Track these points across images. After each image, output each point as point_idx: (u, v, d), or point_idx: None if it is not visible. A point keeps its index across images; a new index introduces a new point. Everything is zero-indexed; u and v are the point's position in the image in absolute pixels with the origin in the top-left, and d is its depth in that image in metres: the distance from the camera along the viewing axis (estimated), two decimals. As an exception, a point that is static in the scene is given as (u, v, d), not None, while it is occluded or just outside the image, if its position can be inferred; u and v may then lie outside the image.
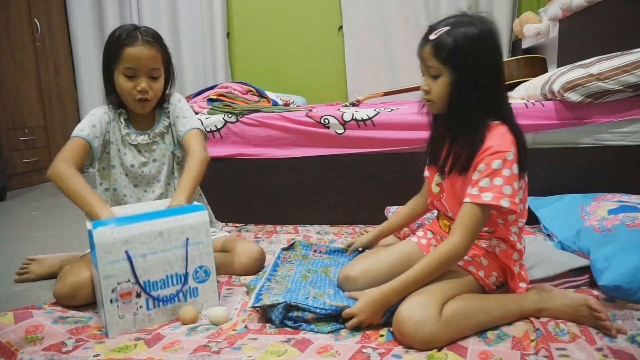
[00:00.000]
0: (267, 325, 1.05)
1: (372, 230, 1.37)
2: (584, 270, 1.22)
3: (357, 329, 1.00)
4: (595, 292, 1.13)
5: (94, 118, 1.33)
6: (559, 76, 1.74)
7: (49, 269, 1.45)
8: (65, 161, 1.22)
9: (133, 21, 3.65)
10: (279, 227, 1.85)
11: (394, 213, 1.51)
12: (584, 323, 0.98)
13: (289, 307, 1.02)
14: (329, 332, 0.99)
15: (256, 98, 2.13)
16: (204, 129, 1.44)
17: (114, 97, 1.35)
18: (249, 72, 3.63)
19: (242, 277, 1.33)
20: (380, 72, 3.29)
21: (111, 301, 1.04)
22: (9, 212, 2.54)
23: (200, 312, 1.13)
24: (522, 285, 1.07)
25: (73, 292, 1.15)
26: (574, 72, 1.70)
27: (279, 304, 1.02)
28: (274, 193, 1.91)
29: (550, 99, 1.79)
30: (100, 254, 1.03)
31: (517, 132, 1.03)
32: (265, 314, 1.06)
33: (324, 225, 1.87)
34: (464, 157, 1.02)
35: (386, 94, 2.49)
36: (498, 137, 1.00)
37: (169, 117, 1.42)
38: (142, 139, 1.39)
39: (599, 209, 1.43)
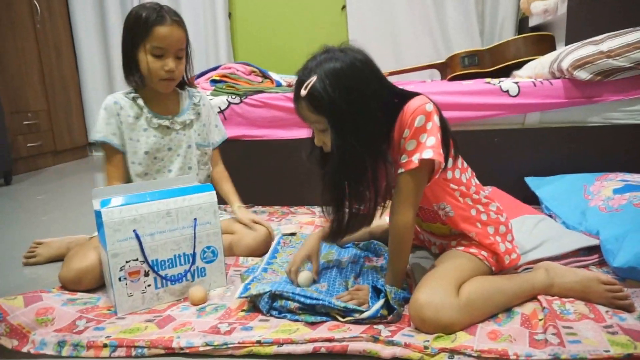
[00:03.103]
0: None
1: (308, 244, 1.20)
2: (593, 250, 1.21)
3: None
4: (603, 273, 1.12)
5: (106, 114, 1.34)
6: (568, 54, 1.71)
7: (56, 251, 1.46)
8: (115, 180, 1.33)
9: (133, 2, 3.60)
10: (293, 208, 1.85)
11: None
12: (594, 300, 0.98)
13: (274, 297, 1.01)
14: (312, 322, 0.96)
15: (259, 79, 2.11)
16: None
17: (136, 76, 1.33)
18: (251, 53, 3.58)
19: (250, 258, 1.33)
20: (384, 52, 3.24)
21: (120, 279, 1.05)
22: (15, 196, 2.55)
23: (208, 292, 1.14)
24: (514, 256, 1.06)
25: (78, 278, 1.15)
26: (584, 49, 1.67)
27: (265, 293, 1.00)
28: (281, 174, 1.90)
29: (558, 78, 1.76)
30: (109, 232, 1.03)
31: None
32: (255, 304, 1.04)
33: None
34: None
35: (390, 74, 2.46)
36: (413, 100, 0.95)
37: (199, 113, 1.45)
38: (166, 123, 1.39)
39: (603, 189, 1.42)
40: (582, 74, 1.63)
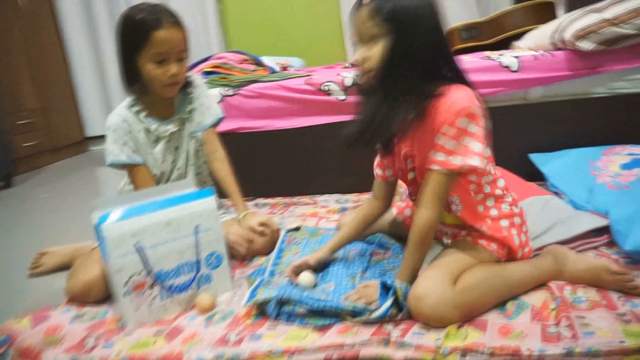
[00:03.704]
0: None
1: (323, 247, 1.20)
2: (602, 229, 1.19)
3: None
4: (614, 256, 1.10)
5: (118, 135, 1.29)
6: (570, 23, 1.64)
7: (61, 260, 1.45)
8: None
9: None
10: (295, 199, 1.82)
11: (343, 220, 1.37)
12: (605, 287, 0.97)
13: (282, 302, 0.99)
14: (321, 326, 0.95)
15: (253, 67, 2.05)
16: (223, 114, 1.45)
17: (138, 85, 1.27)
18: (244, 36, 3.50)
19: (255, 258, 1.32)
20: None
21: (124, 294, 1.04)
22: (18, 198, 2.54)
23: (216, 299, 1.13)
24: (526, 250, 1.04)
25: (86, 290, 1.14)
26: (587, 18, 1.60)
27: (272, 298, 0.99)
28: (281, 165, 1.88)
29: (560, 49, 1.70)
30: (110, 248, 1.01)
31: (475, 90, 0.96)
32: (262, 309, 1.03)
33: (337, 195, 1.83)
34: (416, 114, 0.94)
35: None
36: (457, 93, 0.92)
37: (191, 102, 1.39)
38: (171, 127, 1.35)
39: (611, 164, 1.39)
40: (586, 45, 1.58)
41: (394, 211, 1.30)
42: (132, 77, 1.27)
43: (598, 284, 0.98)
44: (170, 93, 1.31)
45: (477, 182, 1.02)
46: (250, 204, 1.83)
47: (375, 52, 0.92)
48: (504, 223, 1.03)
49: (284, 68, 2.79)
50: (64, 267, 1.43)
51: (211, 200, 1.13)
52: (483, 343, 0.85)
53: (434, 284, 0.90)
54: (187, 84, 1.38)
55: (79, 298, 1.15)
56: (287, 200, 1.83)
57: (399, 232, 1.28)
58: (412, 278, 0.98)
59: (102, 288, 1.15)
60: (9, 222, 2.11)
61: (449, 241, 1.14)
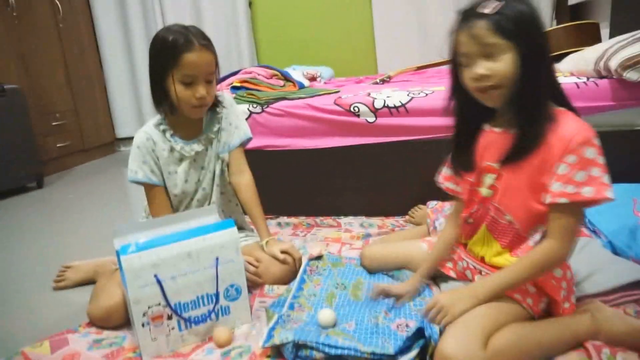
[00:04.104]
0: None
1: (415, 277, 1.16)
2: (644, 280, 1.12)
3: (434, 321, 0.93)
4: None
5: (140, 153, 1.31)
6: (616, 51, 1.55)
7: (84, 274, 1.46)
8: (159, 215, 1.29)
9: (154, -3, 3.54)
10: (318, 220, 1.79)
11: (366, 251, 1.34)
12: (647, 352, 0.90)
13: (299, 345, 0.96)
14: None
15: (281, 82, 2.04)
16: (251, 135, 1.44)
17: (166, 105, 1.28)
18: (274, 43, 3.49)
19: (276, 287, 1.29)
20: (411, 42, 3.08)
21: (143, 325, 1.03)
22: (48, 199, 2.60)
23: (233, 331, 1.11)
24: (566, 305, 0.98)
25: (107, 316, 1.14)
26: (635, 46, 1.51)
27: (289, 342, 0.96)
28: (305, 184, 1.85)
29: (604, 76, 1.61)
30: (130, 279, 1.01)
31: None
32: (280, 350, 1.00)
33: (363, 217, 1.79)
34: (530, 141, 0.91)
35: (419, 68, 2.34)
36: (576, 122, 0.89)
37: (219, 122, 1.38)
38: (197, 146, 1.35)
39: (659, 207, 1.30)
40: (633, 75, 1.48)
41: (424, 246, 1.25)
42: (162, 96, 1.28)
43: (638, 346, 0.90)
44: (198, 114, 1.31)
45: None
46: (273, 222, 1.81)
47: (504, 65, 0.88)
48: (557, 273, 0.97)
49: (313, 78, 2.77)
50: (87, 282, 1.45)
51: (233, 232, 1.11)
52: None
53: (463, 343, 0.85)
54: (216, 103, 1.37)
55: (100, 322, 1.16)
56: (310, 220, 1.80)
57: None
58: (493, 295, 0.93)
59: (123, 314, 1.15)
60: (39, 223, 2.17)
61: (471, 277, 1.09)
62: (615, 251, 1.29)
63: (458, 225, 1.14)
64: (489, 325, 0.88)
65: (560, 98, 0.94)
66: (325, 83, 2.59)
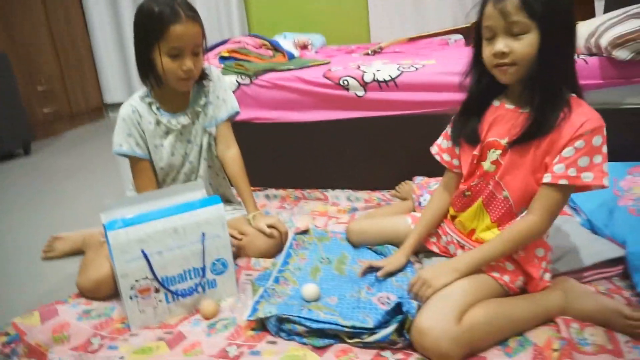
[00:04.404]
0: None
1: (400, 252, 1.19)
2: (617, 259, 1.15)
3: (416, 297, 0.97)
4: (626, 292, 1.07)
5: (125, 125, 1.30)
6: (607, 28, 1.54)
7: (72, 245, 1.49)
8: (144, 188, 1.31)
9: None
10: (306, 193, 1.81)
11: (352, 226, 1.36)
12: (614, 329, 0.94)
13: (282, 319, 1.00)
14: (319, 347, 0.96)
15: (270, 52, 2.00)
16: (238, 109, 1.43)
17: (152, 77, 1.27)
18: (265, 10, 3.39)
19: (262, 260, 1.32)
20: (404, 14, 3.00)
21: (131, 297, 1.06)
22: (36, 165, 2.58)
23: (219, 304, 1.14)
24: (541, 283, 1.01)
25: (96, 287, 1.17)
26: (627, 24, 1.50)
27: (272, 316, 1.00)
28: (294, 157, 1.85)
29: (594, 54, 1.61)
30: (117, 254, 1.02)
31: None
32: (263, 322, 1.03)
33: (349, 191, 1.80)
34: (544, 123, 0.93)
35: (411, 40, 2.30)
36: (590, 110, 0.94)
37: (206, 96, 1.37)
38: (184, 119, 1.35)
39: (635, 186, 1.33)
40: (623, 54, 1.48)
41: (409, 221, 1.27)
42: (148, 69, 1.26)
43: (607, 325, 0.95)
44: (185, 87, 1.30)
45: None
46: (261, 194, 1.82)
47: (524, 45, 0.90)
48: (539, 252, 1.01)
49: (304, 46, 2.72)
50: (75, 252, 1.47)
51: (219, 208, 1.12)
52: (481, 380, 0.84)
53: (438, 318, 0.89)
54: (203, 76, 1.35)
55: (89, 294, 1.18)
56: (297, 193, 1.81)
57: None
58: (473, 269, 0.97)
59: (112, 285, 1.18)
60: (27, 191, 2.16)
61: (455, 251, 1.13)
62: (593, 229, 1.33)
63: (446, 199, 1.16)
64: (465, 302, 0.92)
65: (573, 86, 0.96)
66: (316, 52, 2.54)
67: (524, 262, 1.00)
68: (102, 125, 3.58)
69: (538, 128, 0.94)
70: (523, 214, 1.01)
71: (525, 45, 0.90)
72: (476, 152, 1.05)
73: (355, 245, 1.35)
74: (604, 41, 1.51)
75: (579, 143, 0.91)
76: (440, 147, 1.18)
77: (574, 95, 0.96)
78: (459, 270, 0.97)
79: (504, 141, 1.00)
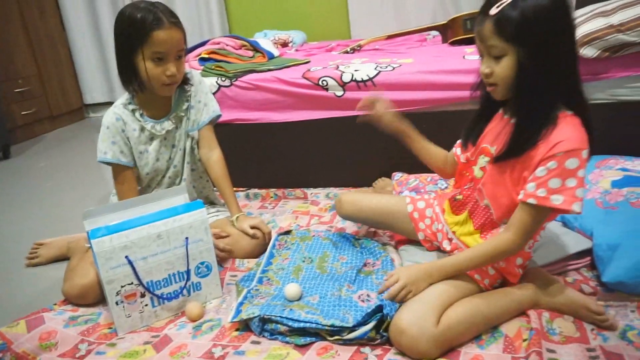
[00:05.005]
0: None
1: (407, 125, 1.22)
2: (586, 251, 1.21)
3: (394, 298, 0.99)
4: (592, 282, 1.12)
5: (110, 133, 1.31)
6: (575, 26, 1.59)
7: (57, 251, 1.49)
8: (125, 197, 1.29)
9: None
10: (287, 192, 1.84)
11: (415, 199, 1.30)
12: (581, 319, 1.00)
13: (265, 319, 1.03)
14: (302, 345, 1.00)
15: (250, 53, 2.01)
16: (220, 112, 1.45)
17: (135, 83, 1.27)
18: (245, 7, 3.39)
19: (246, 261, 1.35)
20: (384, 11, 3.02)
21: (117, 303, 1.08)
22: (16, 169, 2.56)
23: (205, 306, 1.17)
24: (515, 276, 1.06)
25: (82, 294, 1.19)
26: (593, 22, 1.55)
27: (255, 316, 1.03)
28: (275, 157, 1.88)
29: (564, 51, 1.66)
30: (101, 261, 1.04)
31: (589, 129, 0.93)
32: (247, 323, 1.06)
33: (331, 188, 1.84)
34: (523, 141, 0.93)
35: (389, 37, 2.33)
36: (572, 130, 0.90)
37: (188, 100, 1.39)
38: (168, 125, 1.36)
39: (602, 180, 1.39)
40: (589, 52, 1.54)
41: (409, 208, 1.26)
42: (131, 74, 1.27)
43: (575, 316, 1.01)
44: (168, 92, 1.32)
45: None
46: (242, 194, 1.85)
47: (503, 68, 0.91)
48: (519, 260, 1.05)
49: (285, 44, 2.73)
50: (60, 258, 1.47)
51: (202, 213, 1.15)
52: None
53: (416, 318, 0.92)
54: (185, 81, 1.37)
55: (76, 300, 1.20)
56: (278, 192, 1.84)
57: (412, 236, 1.27)
58: (445, 278, 1.00)
59: (98, 291, 1.19)
60: (7, 195, 2.15)
61: (449, 248, 1.16)
62: (564, 222, 1.38)
63: (445, 154, 1.20)
64: (443, 302, 0.96)
65: (573, 102, 0.93)
66: (296, 50, 2.56)
67: (504, 271, 1.05)
68: (84, 126, 3.55)
69: (517, 142, 0.94)
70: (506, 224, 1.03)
71: (504, 68, 0.91)
72: (471, 155, 1.10)
73: (345, 217, 1.35)
74: (573, 39, 1.56)
75: (551, 164, 0.89)
76: (460, 142, 1.19)
77: (569, 112, 0.93)
78: (433, 277, 1.00)
79: (493, 149, 1.03)
